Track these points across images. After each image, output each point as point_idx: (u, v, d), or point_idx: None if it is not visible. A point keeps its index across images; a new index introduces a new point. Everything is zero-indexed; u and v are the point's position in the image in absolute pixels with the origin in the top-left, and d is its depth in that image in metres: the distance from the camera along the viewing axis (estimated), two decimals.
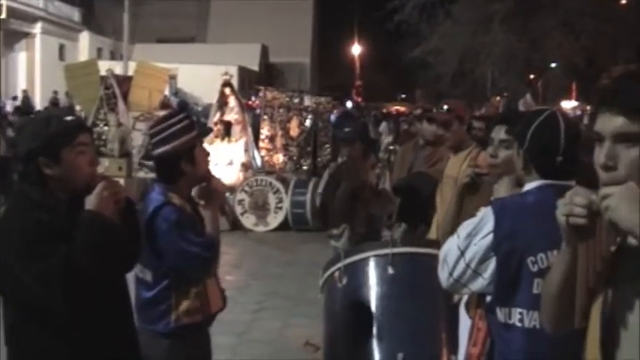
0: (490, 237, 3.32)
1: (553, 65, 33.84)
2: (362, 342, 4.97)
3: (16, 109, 26.12)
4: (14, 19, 40.54)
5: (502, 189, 4.10)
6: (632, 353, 2.21)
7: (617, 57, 27.47)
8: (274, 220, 16.13)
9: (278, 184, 16.25)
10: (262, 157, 18.14)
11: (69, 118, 3.70)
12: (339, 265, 5.23)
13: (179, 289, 4.48)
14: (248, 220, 16.19)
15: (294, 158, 18.51)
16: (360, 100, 52.35)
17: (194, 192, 4.70)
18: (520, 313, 3.29)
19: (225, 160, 17.29)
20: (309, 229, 15.76)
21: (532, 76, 32.20)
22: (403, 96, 53.40)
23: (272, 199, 16.10)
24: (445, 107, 6.53)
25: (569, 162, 3.39)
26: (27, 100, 34.45)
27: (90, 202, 3.45)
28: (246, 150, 17.74)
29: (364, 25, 56.72)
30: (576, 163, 3.42)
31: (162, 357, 4.51)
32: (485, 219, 3.38)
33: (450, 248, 3.48)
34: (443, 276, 3.51)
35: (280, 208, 16.20)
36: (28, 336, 3.56)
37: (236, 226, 16.06)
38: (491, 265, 3.34)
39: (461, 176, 5.40)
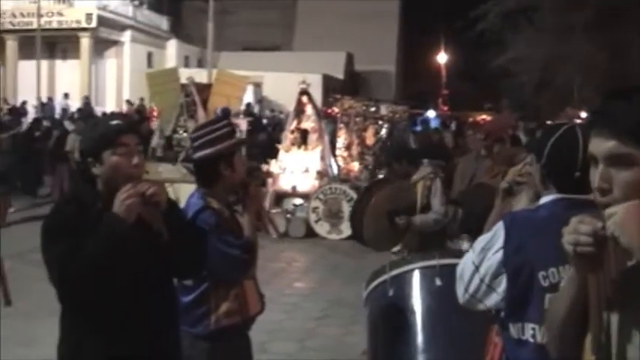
0: (501, 252, 3.28)
1: None
2: (406, 354, 4.99)
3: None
4: (104, 28, 41.51)
5: (521, 202, 4.06)
6: None
7: None
8: (347, 228, 16.12)
9: (352, 193, 16.22)
10: (338, 165, 18.18)
11: (114, 122, 3.85)
12: (385, 277, 5.26)
13: (218, 291, 4.60)
14: (322, 228, 16.26)
15: (370, 167, 18.49)
16: (445, 109, 52.00)
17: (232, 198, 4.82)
18: (532, 329, 3.23)
19: (301, 167, 17.36)
20: None
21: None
22: (489, 105, 52.85)
23: (346, 208, 16.02)
24: (480, 137, 6.53)
25: (588, 177, 3.32)
26: (87, 105, 35.36)
27: (114, 203, 3.57)
28: (322, 158, 17.75)
29: (450, 33, 56.31)
30: None
31: (202, 359, 4.62)
32: (497, 233, 3.33)
33: (465, 263, 3.45)
34: (459, 292, 3.47)
35: None
36: (68, 319, 3.79)
37: (311, 233, 16.24)
38: (504, 280, 3.29)
39: (502, 182, 5.36)
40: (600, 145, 2.20)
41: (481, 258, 3.36)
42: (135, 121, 20.01)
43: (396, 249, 7.74)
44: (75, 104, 36.57)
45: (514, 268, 3.25)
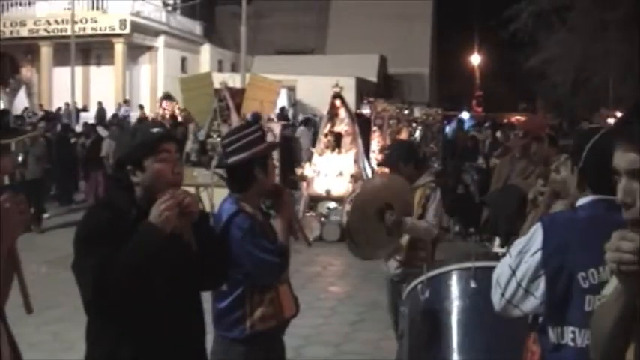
0: (539, 254, 3.25)
1: None
2: (442, 354, 4.98)
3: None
4: (138, 34, 41.79)
5: (556, 208, 4.01)
6: None
7: None
8: None
9: None
10: (372, 168, 18.12)
11: (154, 130, 3.87)
12: (422, 277, 5.27)
13: (253, 296, 4.63)
14: None
15: None
16: (480, 110, 51.77)
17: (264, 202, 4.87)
18: (572, 332, 3.19)
19: (335, 171, 17.31)
20: None
21: None
22: (524, 106, 52.55)
23: None
24: (519, 135, 6.43)
25: None
26: (102, 111, 35.49)
27: (151, 212, 3.55)
28: (356, 161, 17.70)
29: (484, 34, 56.20)
30: None
31: None
32: (535, 235, 3.30)
33: (502, 268, 3.42)
34: (495, 298, 3.43)
35: None
36: (97, 329, 3.74)
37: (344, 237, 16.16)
38: (542, 283, 3.25)
39: (529, 193, 5.34)
40: (622, 159, 2.18)
41: (518, 261, 3.33)
42: (172, 129, 20.10)
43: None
44: (110, 110, 36.74)
45: (553, 269, 3.22)
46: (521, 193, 6.69)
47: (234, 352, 4.65)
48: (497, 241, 8.57)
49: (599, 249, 3.10)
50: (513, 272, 3.33)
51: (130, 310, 3.53)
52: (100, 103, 37.89)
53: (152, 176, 3.68)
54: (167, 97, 31.39)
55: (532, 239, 3.31)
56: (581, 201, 3.40)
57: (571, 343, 3.20)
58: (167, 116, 28.49)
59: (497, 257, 5.34)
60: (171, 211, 3.54)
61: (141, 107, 36.56)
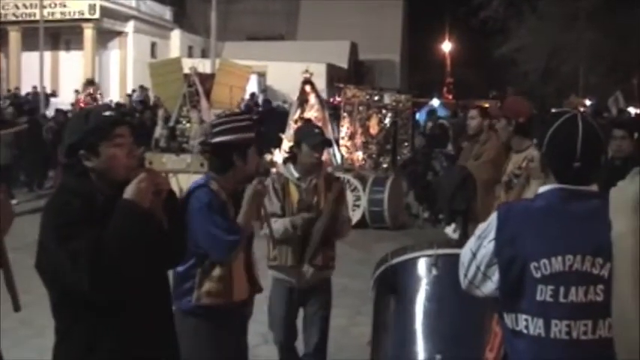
0: (493, 243, 3.27)
1: None
2: (407, 341, 5.03)
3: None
4: (107, 19, 41.53)
5: (529, 192, 4.04)
6: None
7: None
8: (352, 217, 16.06)
9: (356, 182, 16.18)
10: (342, 154, 18.12)
11: (107, 113, 3.82)
12: (387, 265, 5.36)
13: (203, 269, 4.76)
14: None
15: (374, 156, 18.43)
16: (450, 97, 51.88)
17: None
18: (526, 320, 3.21)
19: None
20: (386, 227, 15.73)
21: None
22: (494, 93, 52.70)
23: (350, 197, 15.94)
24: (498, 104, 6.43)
25: (588, 167, 3.27)
26: (35, 96, 34.91)
27: (127, 191, 3.54)
28: None
29: (454, 21, 56.31)
30: (597, 168, 3.32)
31: (188, 334, 4.70)
32: (492, 223, 3.32)
33: (465, 249, 3.44)
34: (460, 277, 3.46)
35: (358, 205, 16.12)
36: (71, 316, 3.70)
37: None
38: (497, 270, 3.29)
39: (504, 176, 5.37)
40: None
41: (478, 245, 3.36)
42: (125, 111, 19.94)
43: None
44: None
45: (506, 259, 3.24)
46: (465, 173, 6.76)
47: (186, 324, 4.72)
48: (453, 226, 8.64)
49: (553, 239, 3.15)
50: (474, 255, 3.36)
51: (125, 291, 3.51)
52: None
53: (107, 161, 3.64)
54: (90, 82, 30.97)
55: (489, 227, 3.33)
56: (542, 189, 3.40)
57: (525, 331, 3.22)
58: (89, 102, 27.55)
59: (459, 245, 5.38)
60: (148, 189, 3.57)
61: (129, 96, 36.39)
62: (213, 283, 4.74)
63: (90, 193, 3.63)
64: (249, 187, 4.82)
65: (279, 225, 5.89)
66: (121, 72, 43.48)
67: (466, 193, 6.30)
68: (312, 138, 6.12)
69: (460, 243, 5.81)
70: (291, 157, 6.25)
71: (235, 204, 4.85)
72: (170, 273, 4.55)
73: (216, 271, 4.75)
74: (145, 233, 3.53)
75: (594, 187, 3.32)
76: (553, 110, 4.85)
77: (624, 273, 2.88)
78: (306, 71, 18.35)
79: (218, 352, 4.88)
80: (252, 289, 5.04)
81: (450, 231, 8.41)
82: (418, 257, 5.17)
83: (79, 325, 3.66)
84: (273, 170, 17.11)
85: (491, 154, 7.03)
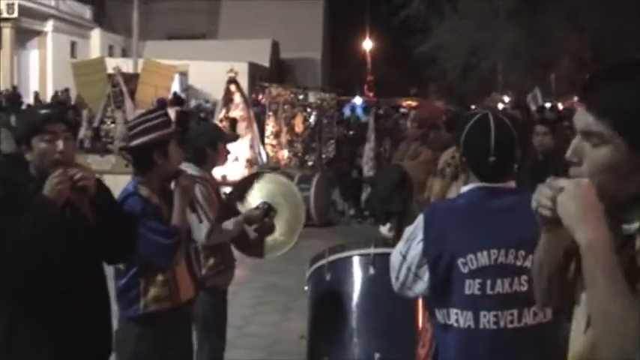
0: (421, 244, 3.43)
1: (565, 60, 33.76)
2: (342, 337, 5.13)
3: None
4: (26, 18, 40.73)
5: (453, 190, 4.22)
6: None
7: (623, 51, 27.30)
8: None
9: None
10: (267, 153, 18.22)
11: (42, 111, 4.08)
12: (324, 261, 5.42)
13: (147, 276, 4.73)
14: None
15: (299, 154, 18.58)
16: (371, 95, 52.20)
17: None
18: (456, 314, 3.37)
19: (231, 156, 17.26)
20: (313, 225, 15.90)
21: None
22: (415, 91, 53.15)
23: None
24: (415, 125, 6.63)
25: (504, 162, 3.45)
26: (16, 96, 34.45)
27: (44, 186, 3.71)
28: (251, 146, 17.78)
29: (376, 20, 56.54)
30: (513, 163, 3.49)
31: (133, 341, 4.74)
32: (418, 225, 3.48)
33: (395, 252, 3.58)
34: (392, 280, 3.59)
35: None
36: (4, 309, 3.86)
37: None
38: (427, 269, 3.44)
39: (439, 165, 5.53)
40: (579, 119, 2.21)
41: (407, 247, 3.50)
42: (63, 109, 19.73)
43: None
44: None
45: (434, 257, 3.40)
46: (401, 172, 6.89)
47: (130, 332, 4.74)
48: (388, 225, 8.80)
49: (477, 235, 3.35)
50: (404, 258, 3.50)
51: (28, 282, 3.67)
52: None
53: (38, 155, 3.84)
54: None
55: (417, 228, 3.49)
56: (464, 189, 3.59)
57: (455, 324, 3.38)
58: None
59: (396, 244, 5.52)
60: (63, 185, 3.70)
61: (55, 97, 35.72)
62: (158, 289, 4.71)
63: (20, 184, 3.82)
64: (176, 185, 4.83)
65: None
66: (41, 72, 42.67)
67: (402, 194, 6.42)
68: None
69: (396, 242, 6.00)
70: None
71: (168, 201, 4.84)
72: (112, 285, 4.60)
73: (160, 276, 4.72)
74: (56, 227, 3.68)
75: (512, 184, 3.52)
76: (473, 107, 5.03)
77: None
78: (231, 71, 18.39)
79: (162, 357, 4.85)
80: (196, 286, 5.05)
81: (385, 230, 8.55)
82: (355, 255, 5.28)
83: (7, 320, 3.81)
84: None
85: (428, 154, 7.20)
